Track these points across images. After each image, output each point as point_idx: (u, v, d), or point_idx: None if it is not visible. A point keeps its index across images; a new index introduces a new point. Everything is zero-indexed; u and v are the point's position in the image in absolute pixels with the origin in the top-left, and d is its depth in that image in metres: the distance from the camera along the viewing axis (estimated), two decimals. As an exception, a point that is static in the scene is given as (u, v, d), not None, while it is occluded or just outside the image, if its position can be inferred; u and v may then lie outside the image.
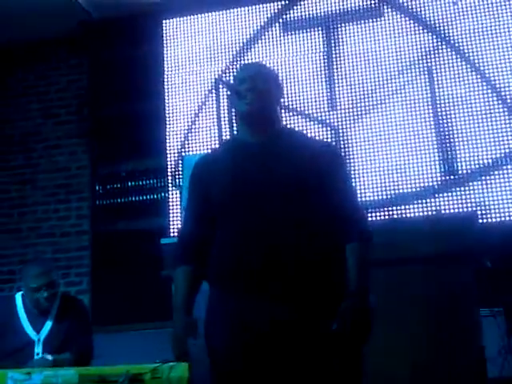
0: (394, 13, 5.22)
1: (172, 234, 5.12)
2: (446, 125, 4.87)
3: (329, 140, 4.91)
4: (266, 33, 5.51)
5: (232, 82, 2.37)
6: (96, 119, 5.96)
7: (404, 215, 4.69)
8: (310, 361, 2.09)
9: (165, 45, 5.76)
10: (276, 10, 5.54)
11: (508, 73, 4.85)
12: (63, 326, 3.73)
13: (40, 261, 4.07)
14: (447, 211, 4.67)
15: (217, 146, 4.95)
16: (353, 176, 4.59)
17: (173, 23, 5.77)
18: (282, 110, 2.41)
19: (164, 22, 5.78)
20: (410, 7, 5.19)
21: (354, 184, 2.28)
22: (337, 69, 5.26)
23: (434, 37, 5.08)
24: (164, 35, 5.78)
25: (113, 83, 5.94)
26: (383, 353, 2.81)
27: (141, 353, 3.49)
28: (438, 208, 4.62)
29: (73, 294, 5.11)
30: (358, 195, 2.31)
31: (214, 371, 2.20)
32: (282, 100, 2.42)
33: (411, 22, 5.16)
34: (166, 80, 5.70)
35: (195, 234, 2.32)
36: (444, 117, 4.90)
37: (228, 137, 2.24)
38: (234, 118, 2.28)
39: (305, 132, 4.52)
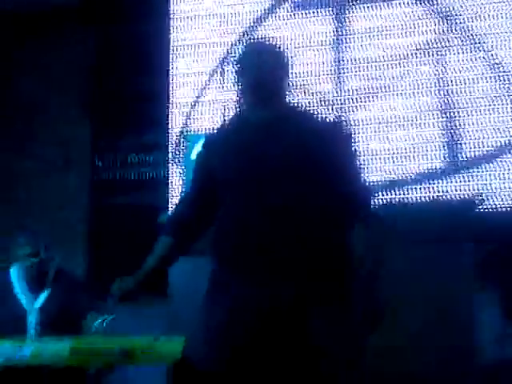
0: (404, -7, 5.15)
1: (170, 212, 5.09)
2: (452, 109, 4.83)
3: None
4: (276, 10, 5.44)
5: (239, 56, 2.35)
6: (99, 92, 5.93)
7: (406, 199, 4.65)
8: (310, 347, 2.07)
9: (172, 20, 5.69)
10: (286, -12, 5.46)
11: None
12: (58, 297, 3.77)
13: (28, 231, 4.04)
14: (449, 197, 4.63)
15: (223, 123, 4.92)
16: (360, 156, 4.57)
17: (181, -2, 5.71)
18: (290, 87, 2.38)
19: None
20: (420, -12, 5.12)
21: (361, 164, 2.27)
22: (345, 49, 5.20)
23: (444, 19, 5.02)
24: (172, 10, 5.70)
25: (118, 57, 5.92)
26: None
27: (134, 327, 3.46)
28: (441, 193, 4.58)
29: (69, 267, 5.07)
30: (365, 176, 2.30)
31: (211, 353, 2.16)
32: (289, 76, 2.39)
33: (421, 3, 5.10)
34: (171, 56, 5.61)
35: (187, 210, 2.35)
36: (451, 101, 4.85)
37: (233, 114, 2.25)
38: (240, 94, 2.24)
39: (312, 110, 4.48)
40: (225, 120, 4.94)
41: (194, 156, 5.09)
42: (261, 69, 2.24)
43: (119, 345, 2.97)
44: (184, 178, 4.98)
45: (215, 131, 2.48)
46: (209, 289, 2.23)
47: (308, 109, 2.62)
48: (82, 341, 3.22)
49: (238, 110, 2.16)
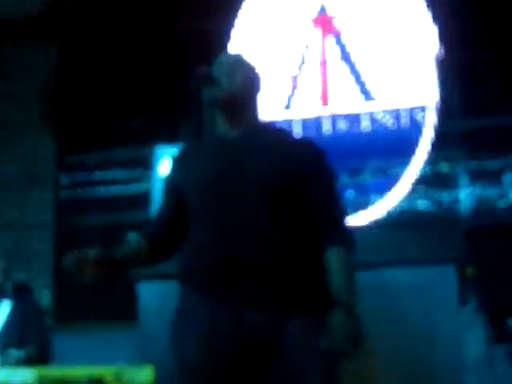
0: None
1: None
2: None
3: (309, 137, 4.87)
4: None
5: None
6: (63, 105, 5.81)
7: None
8: (283, 365, 2.01)
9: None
10: None
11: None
12: (17, 318, 3.79)
13: None
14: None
15: (193, 138, 4.88)
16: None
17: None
18: (260, 105, 2.31)
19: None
20: None
21: (336, 185, 2.23)
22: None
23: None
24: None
25: (82, 68, 5.79)
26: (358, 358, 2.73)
27: (103, 353, 3.40)
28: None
29: (34, 288, 4.97)
30: (340, 196, 2.25)
31: (181, 378, 2.10)
32: (259, 94, 2.32)
33: None
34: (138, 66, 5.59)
35: (158, 230, 2.24)
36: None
37: (204, 129, 2.20)
38: (209, 110, 2.15)
39: (285, 128, 4.44)
40: (197, 136, 4.87)
41: (163, 168, 5.07)
42: (228, 78, 2.17)
43: (88, 373, 2.91)
44: (153, 191, 4.91)
45: (185, 150, 2.39)
46: (177, 314, 2.16)
47: (281, 126, 2.57)
48: (50, 369, 3.21)
49: (208, 124, 2.09)
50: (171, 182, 2.30)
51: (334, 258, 2.06)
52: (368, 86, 5.05)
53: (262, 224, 2.04)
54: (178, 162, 2.32)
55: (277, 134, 2.28)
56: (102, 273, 2.04)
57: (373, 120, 4.98)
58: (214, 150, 2.13)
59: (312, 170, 2.16)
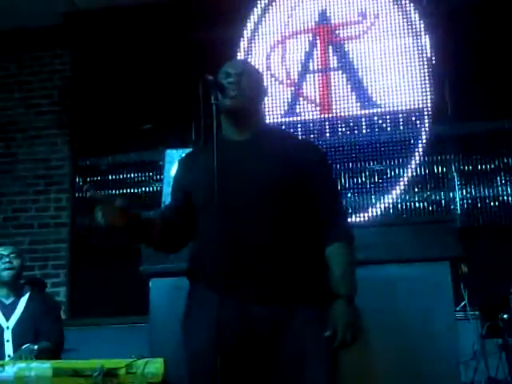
0: None
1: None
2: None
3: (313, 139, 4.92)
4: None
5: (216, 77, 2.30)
6: (78, 111, 5.91)
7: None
8: (286, 360, 2.09)
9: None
10: None
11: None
12: (32, 313, 3.84)
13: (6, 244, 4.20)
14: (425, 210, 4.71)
15: (201, 143, 4.90)
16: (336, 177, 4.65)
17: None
18: (265, 111, 2.38)
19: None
20: None
21: (337, 185, 2.28)
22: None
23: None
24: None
25: (96, 74, 5.90)
26: (356, 352, 2.79)
27: (116, 347, 3.46)
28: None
29: (49, 286, 5.07)
30: (341, 196, 2.28)
31: (191, 370, 2.17)
32: (265, 99, 2.41)
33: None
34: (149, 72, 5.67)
35: (168, 215, 2.29)
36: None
37: (211, 133, 2.20)
38: (216, 115, 2.20)
39: (289, 131, 4.50)
40: (203, 140, 4.92)
41: (173, 171, 5.14)
42: (236, 88, 2.22)
43: (102, 365, 2.95)
44: (162, 193, 5.01)
45: (192, 152, 2.48)
46: (186, 308, 2.24)
47: (285, 129, 2.61)
48: (64, 361, 3.21)
49: (215, 128, 2.08)
50: (177, 181, 2.35)
51: (335, 253, 2.14)
52: (367, 92, 5.12)
53: (268, 222, 2.10)
54: (184, 163, 2.38)
55: (281, 136, 2.34)
56: (121, 223, 2.01)
57: (371, 124, 5.06)
58: (221, 151, 2.10)
59: (315, 170, 2.23)
